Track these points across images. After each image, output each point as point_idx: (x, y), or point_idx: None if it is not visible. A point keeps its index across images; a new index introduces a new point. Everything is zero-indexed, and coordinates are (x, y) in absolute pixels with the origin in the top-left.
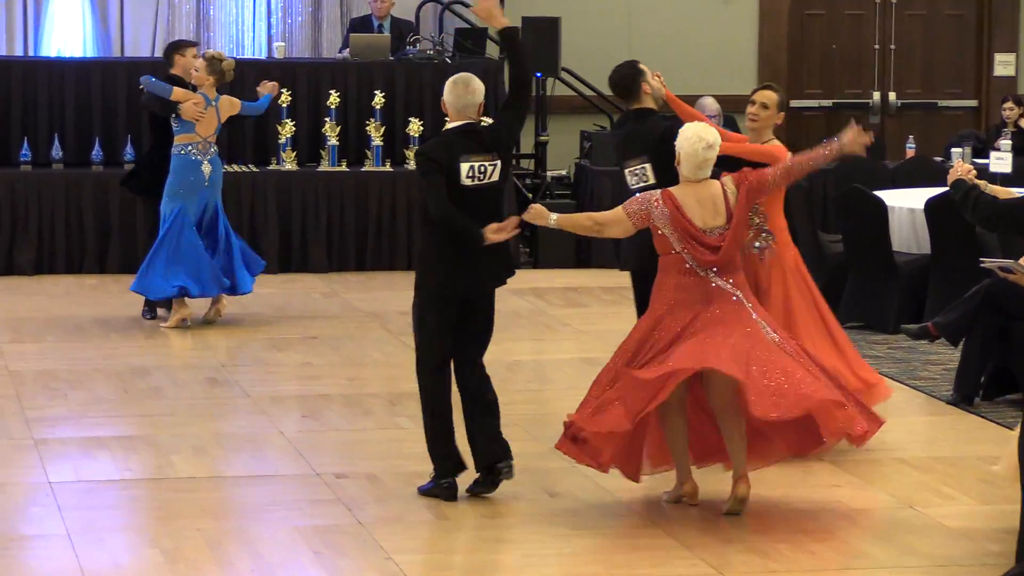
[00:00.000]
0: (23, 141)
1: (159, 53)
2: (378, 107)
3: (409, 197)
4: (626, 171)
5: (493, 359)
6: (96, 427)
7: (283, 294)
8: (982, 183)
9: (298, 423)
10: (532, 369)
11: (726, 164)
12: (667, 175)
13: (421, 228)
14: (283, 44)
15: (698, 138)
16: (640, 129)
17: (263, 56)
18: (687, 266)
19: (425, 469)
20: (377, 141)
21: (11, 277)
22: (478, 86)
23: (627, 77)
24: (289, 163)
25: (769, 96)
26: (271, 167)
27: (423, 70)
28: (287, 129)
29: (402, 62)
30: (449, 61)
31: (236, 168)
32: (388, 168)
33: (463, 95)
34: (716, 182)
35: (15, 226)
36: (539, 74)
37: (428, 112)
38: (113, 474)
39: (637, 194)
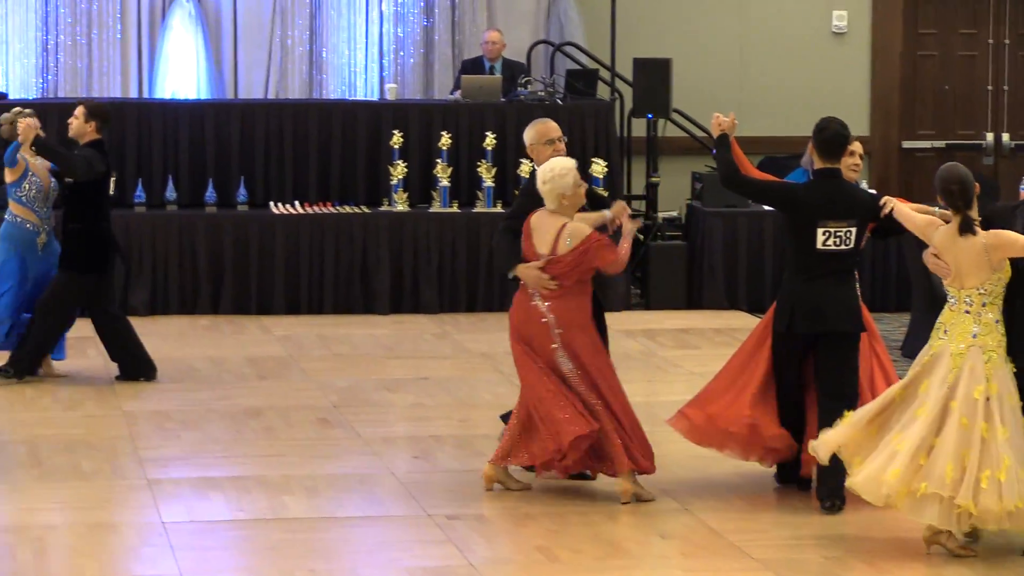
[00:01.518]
0: (137, 183)
1: (272, 95)
2: (489, 148)
3: None
4: (820, 231)
5: None
6: (209, 467)
7: (394, 335)
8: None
9: (409, 464)
10: (643, 411)
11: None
12: (860, 242)
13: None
14: (395, 86)
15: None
16: (843, 190)
17: (375, 98)
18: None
19: (537, 510)
20: (488, 182)
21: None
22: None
23: (845, 139)
24: (401, 204)
25: (860, 145)
26: (383, 208)
27: (534, 111)
28: (399, 170)
29: (513, 103)
30: (560, 102)
31: (348, 209)
32: (499, 209)
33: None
34: (565, 219)
35: (129, 267)
36: (650, 115)
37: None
38: (226, 514)
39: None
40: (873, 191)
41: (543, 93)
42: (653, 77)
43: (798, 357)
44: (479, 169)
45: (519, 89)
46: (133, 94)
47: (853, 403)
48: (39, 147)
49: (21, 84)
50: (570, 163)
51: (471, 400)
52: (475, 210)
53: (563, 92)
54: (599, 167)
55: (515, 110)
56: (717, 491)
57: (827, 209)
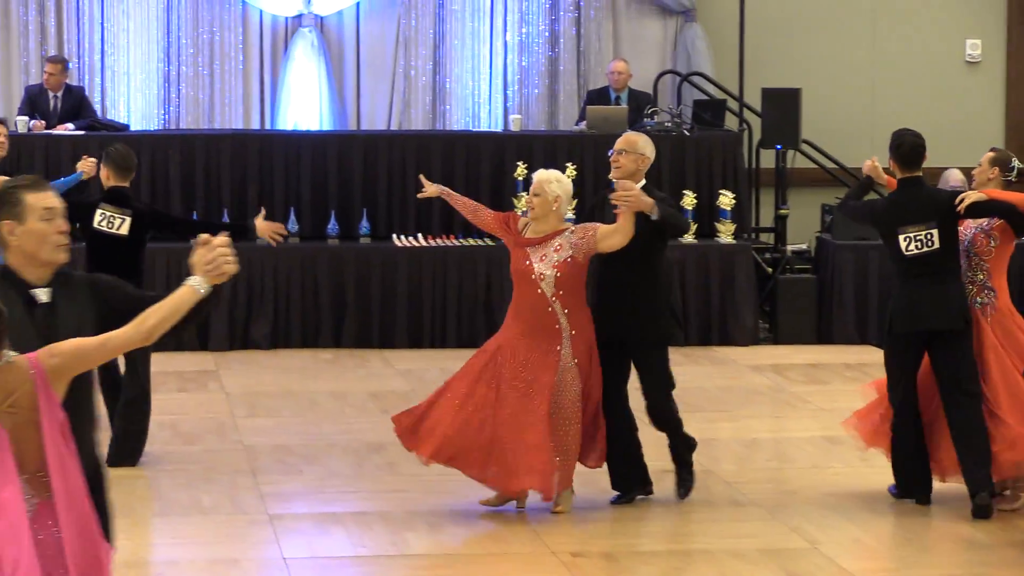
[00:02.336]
0: (259, 213)
1: (395, 126)
2: (615, 180)
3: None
4: (901, 237)
5: (730, 436)
6: (331, 503)
7: None
8: None
9: (532, 500)
10: (771, 447)
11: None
12: (951, 239)
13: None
14: (519, 116)
15: (568, 184)
16: (919, 195)
17: (499, 129)
18: None
19: (663, 548)
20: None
21: (247, 351)
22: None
23: (920, 149)
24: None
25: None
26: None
27: (661, 142)
28: (523, 203)
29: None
30: (688, 133)
31: (472, 242)
32: None
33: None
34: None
35: (251, 300)
36: (779, 146)
37: (666, 185)
38: (348, 550)
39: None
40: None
41: (670, 124)
42: (782, 107)
43: (903, 359)
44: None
45: (645, 120)
46: (255, 125)
47: (975, 396)
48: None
49: (143, 116)
50: None
51: None
52: None
53: (690, 123)
54: (727, 199)
55: None
56: (844, 527)
57: (903, 217)
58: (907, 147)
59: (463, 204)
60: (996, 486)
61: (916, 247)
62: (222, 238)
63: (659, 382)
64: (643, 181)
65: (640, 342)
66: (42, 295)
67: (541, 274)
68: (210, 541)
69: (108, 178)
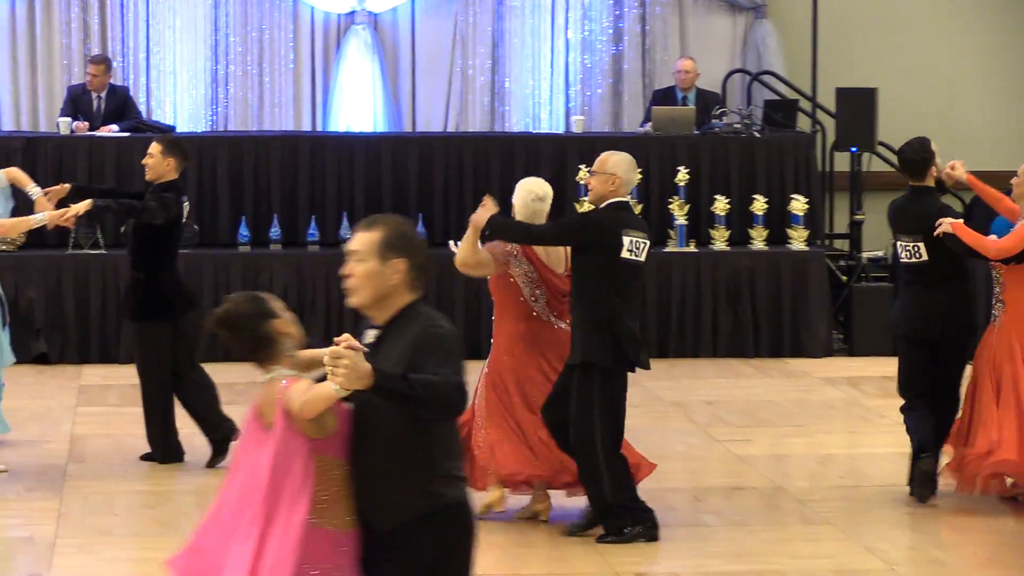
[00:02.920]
0: (310, 220)
1: (452, 127)
2: (682, 184)
3: (715, 278)
4: (898, 244)
5: (803, 452)
6: None
7: None
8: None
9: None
10: (846, 464)
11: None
12: (940, 252)
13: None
14: (582, 118)
15: (528, 191)
16: (915, 207)
17: (560, 131)
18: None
19: (732, 569)
20: (681, 220)
21: None
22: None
23: (921, 160)
24: None
25: None
26: None
27: (730, 144)
28: (585, 207)
29: (707, 136)
30: (758, 135)
31: None
32: (692, 249)
33: (633, 172)
34: None
35: (302, 308)
36: (854, 148)
37: (735, 189)
38: None
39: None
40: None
41: (739, 125)
42: (857, 108)
43: (909, 358)
44: (671, 206)
45: (714, 121)
46: (306, 127)
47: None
48: (98, 212)
49: (190, 117)
50: None
51: (662, 451)
52: (666, 249)
53: (761, 124)
54: (799, 204)
55: (709, 143)
56: (922, 548)
57: (897, 224)
58: (908, 156)
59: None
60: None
61: (906, 255)
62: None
63: (581, 406)
64: (627, 198)
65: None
66: (370, 336)
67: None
68: None
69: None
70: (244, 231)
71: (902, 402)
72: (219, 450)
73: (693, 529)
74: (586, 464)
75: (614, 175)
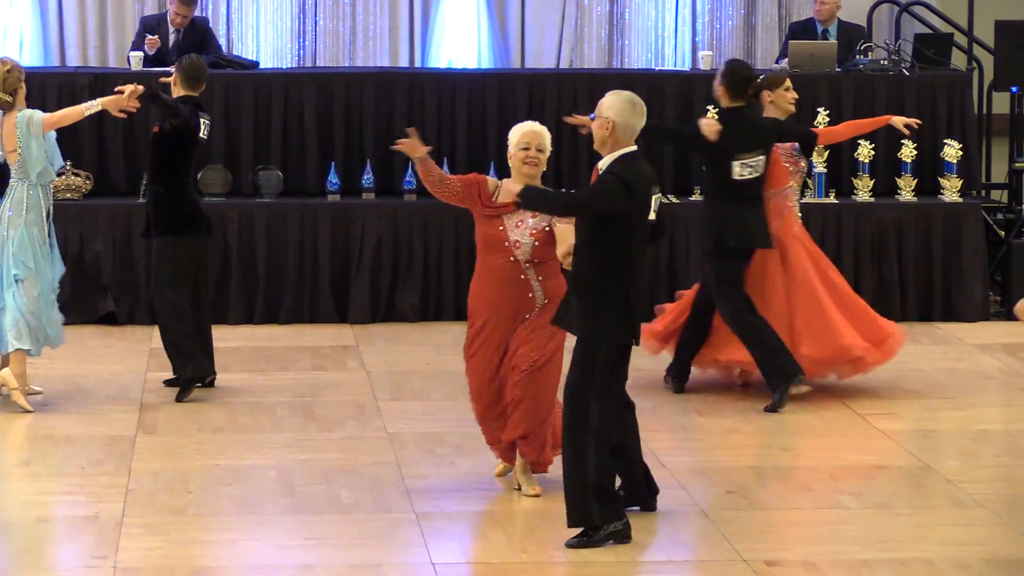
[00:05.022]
0: (407, 166)
1: (565, 63)
2: (822, 127)
3: (858, 233)
4: (736, 163)
5: (954, 427)
6: (487, 500)
7: None
8: None
9: (722, 500)
10: (1002, 440)
11: None
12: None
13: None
14: (710, 53)
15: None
16: (759, 123)
17: (686, 67)
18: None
19: (873, 557)
20: (820, 167)
21: (392, 324)
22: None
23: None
24: None
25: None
26: (694, 197)
27: (876, 83)
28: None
29: (851, 74)
30: (907, 73)
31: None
32: (832, 200)
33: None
34: None
35: (397, 265)
36: (1015, 88)
37: (881, 133)
38: (507, 556)
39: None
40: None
41: (886, 62)
42: (1019, 43)
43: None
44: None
45: (857, 57)
46: (404, 63)
47: None
48: (147, 99)
49: (274, 52)
50: None
51: (795, 426)
52: (804, 200)
53: (910, 61)
54: (952, 150)
55: (853, 82)
56: None
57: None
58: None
59: (431, 176)
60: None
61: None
62: None
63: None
64: (630, 149)
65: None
66: None
67: (516, 242)
68: (349, 543)
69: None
70: (334, 178)
71: None
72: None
73: (830, 512)
74: (574, 442)
75: (607, 119)
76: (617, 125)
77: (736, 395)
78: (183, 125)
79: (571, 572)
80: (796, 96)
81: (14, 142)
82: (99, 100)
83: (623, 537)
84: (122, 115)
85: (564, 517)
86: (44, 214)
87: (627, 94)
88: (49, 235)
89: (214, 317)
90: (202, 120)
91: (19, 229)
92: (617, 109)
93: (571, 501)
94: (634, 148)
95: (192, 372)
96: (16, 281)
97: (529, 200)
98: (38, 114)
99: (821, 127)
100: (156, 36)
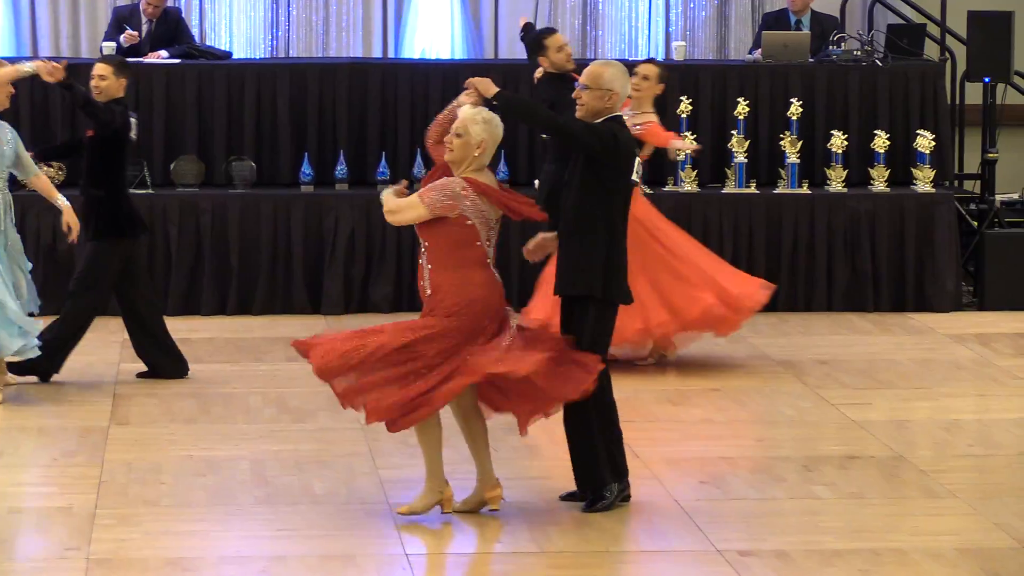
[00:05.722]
0: (380, 157)
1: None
2: (794, 118)
3: (830, 223)
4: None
5: (927, 417)
6: (461, 491)
7: (680, 337)
8: None
9: (696, 490)
10: (975, 430)
11: None
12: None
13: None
14: (683, 44)
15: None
16: None
17: (659, 57)
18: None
19: (846, 547)
20: (793, 158)
21: (366, 315)
22: None
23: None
24: (689, 184)
25: (649, 69)
26: (667, 188)
27: (848, 74)
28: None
29: (824, 64)
30: (880, 63)
31: None
32: (805, 190)
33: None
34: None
35: (370, 256)
36: (987, 79)
37: (854, 124)
38: (480, 546)
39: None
40: None
41: (859, 53)
42: (991, 33)
43: None
44: (782, 142)
45: (831, 48)
46: (377, 53)
47: None
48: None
49: (248, 42)
50: None
51: (770, 416)
52: (777, 191)
53: (883, 51)
54: (925, 141)
55: (825, 73)
56: None
57: None
58: None
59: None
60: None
61: None
62: None
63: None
64: (617, 114)
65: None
66: None
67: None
68: (322, 534)
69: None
70: (307, 169)
71: None
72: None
73: (804, 502)
74: (575, 407)
75: (611, 91)
76: (618, 97)
77: (709, 385)
78: (107, 125)
79: (545, 562)
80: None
81: None
82: (34, 63)
83: (626, 497)
84: (50, 79)
85: (537, 511)
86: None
87: (620, 66)
88: (4, 231)
89: (186, 308)
90: (132, 120)
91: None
92: (621, 81)
93: (581, 468)
94: (620, 114)
95: (45, 367)
96: None
97: (507, 101)
98: None
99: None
100: (136, 32)
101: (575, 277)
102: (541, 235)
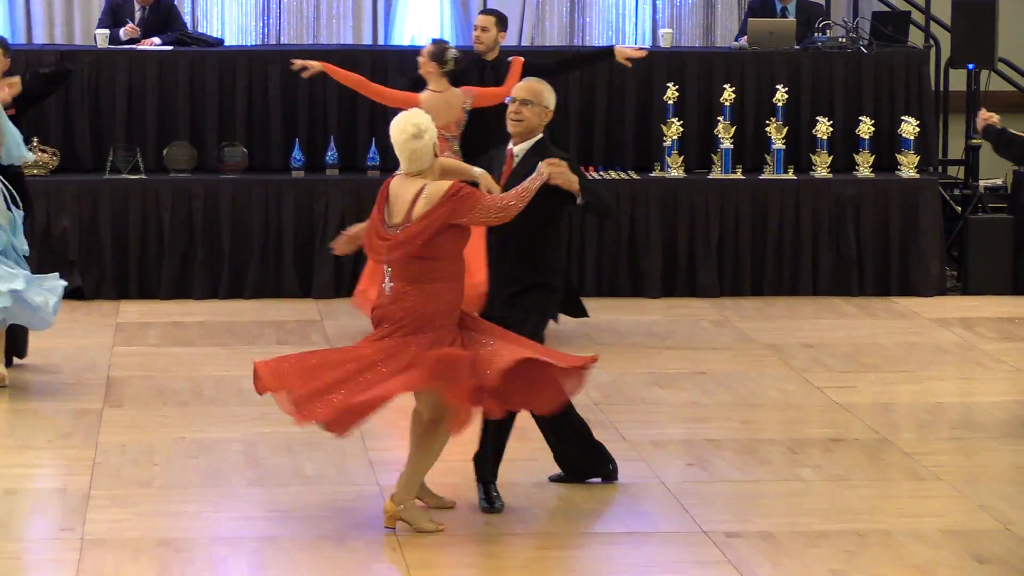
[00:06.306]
0: (371, 143)
1: (527, 41)
2: (780, 104)
3: (816, 208)
4: None
5: (911, 401)
6: (451, 473)
7: (667, 321)
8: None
9: (682, 472)
10: (959, 413)
11: None
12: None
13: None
14: (670, 31)
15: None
16: None
17: (647, 45)
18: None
19: (831, 528)
20: (778, 144)
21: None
22: None
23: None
24: (675, 169)
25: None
26: (654, 174)
27: (834, 61)
28: (673, 130)
29: (809, 51)
30: (865, 50)
31: (614, 175)
32: (791, 176)
33: None
34: (422, 181)
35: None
36: (971, 66)
37: (839, 110)
38: (469, 527)
39: None
40: None
41: (844, 39)
42: (975, 20)
43: None
44: (768, 129)
45: (816, 35)
46: (367, 40)
47: None
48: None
49: (239, 29)
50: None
51: (755, 398)
52: (762, 176)
53: (868, 38)
54: (910, 127)
55: (811, 59)
56: None
57: None
58: None
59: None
60: None
61: None
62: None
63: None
64: (541, 135)
65: None
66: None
67: None
68: (313, 515)
69: None
70: (298, 155)
71: (1022, 345)
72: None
73: (789, 484)
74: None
75: (548, 108)
76: (551, 115)
77: (696, 368)
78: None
79: (532, 543)
80: None
81: None
82: None
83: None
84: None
85: (524, 492)
86: None
87: (545, 83)
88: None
89: (179, 292)
90: None
91: None
92: (554, 100)
93: (584, 457)
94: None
95: None
96: None
97: (595, 196)
98: None
99: None
100: (136, 26)
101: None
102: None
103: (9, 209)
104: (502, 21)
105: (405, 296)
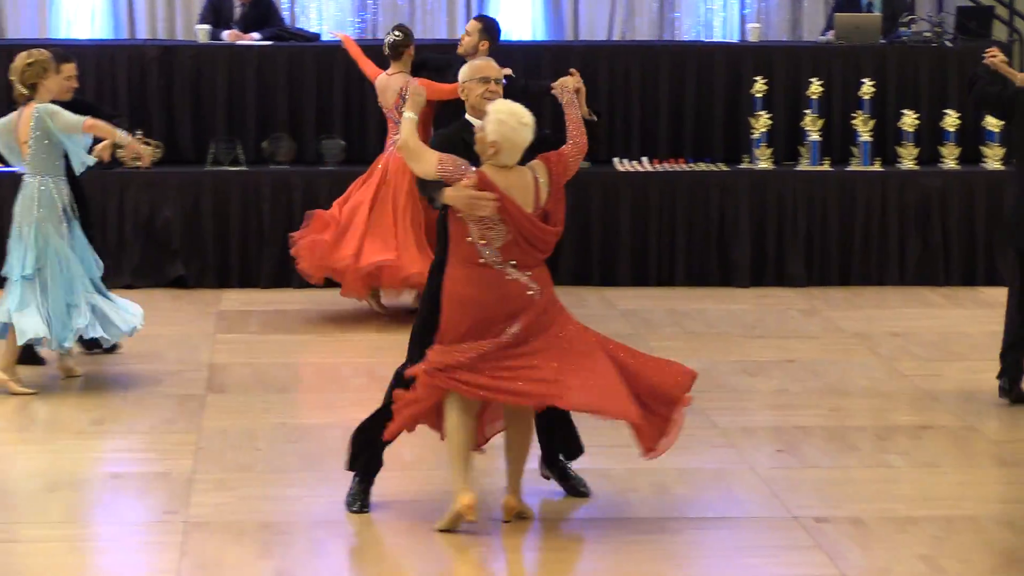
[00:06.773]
0: None
1: (617, 36)
2: (866, 97)
3: (902, 200)
4: None
5: (996, 389)
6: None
7: (756, 311)
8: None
9: (772, 459)
10: None
11: None
12: None
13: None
14: (758, 26)
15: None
16: None
17: (735, 39)
18: (480, 260)
19: (920, 514)
20: (865, 136)
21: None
22: None
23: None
24: (764, 161)
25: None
26: (743, 166)
27: (919, 55)
28: (761, 123)
29: (895, 45)
30: (950, 44)
31: (703, 167)
32: (877, 168)
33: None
34: (519, 168)
35: None
36: None
37: (924, 103)
38: (566, 513)
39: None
40: None
41: (929, 34)
42: None
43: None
44: (854, 121)
45: (901, 29)
46: (461, 34)
47: None
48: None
49: (336, 23)
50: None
51: (843, 386)
52: (849, 168)
53: (952, 32)
54: (994, 120)
55: (896, 53)
56: None
57: None
58: None
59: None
60: None
61: None
62: None
63: None
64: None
65: None
66: None
67: None
68: (412, 499)
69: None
70: None
71: None
72: None
73: (877, 471)
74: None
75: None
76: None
77: (784, 356)
78: None
79: (627, 527)
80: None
81: (26, 134)
82: (125, 136)
83: None
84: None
85: (617, 477)
86: (60, 210)
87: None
88: (71, 232)
89: (279, 281)
90: None
91: (32, 226)
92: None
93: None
94: None
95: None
96: (24, 279)
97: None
98: (63, 113)
99: None
100: (238, 32)
101: None
102: None
103: (68, 223)
104: (488, 30)
105: (545, 283)
